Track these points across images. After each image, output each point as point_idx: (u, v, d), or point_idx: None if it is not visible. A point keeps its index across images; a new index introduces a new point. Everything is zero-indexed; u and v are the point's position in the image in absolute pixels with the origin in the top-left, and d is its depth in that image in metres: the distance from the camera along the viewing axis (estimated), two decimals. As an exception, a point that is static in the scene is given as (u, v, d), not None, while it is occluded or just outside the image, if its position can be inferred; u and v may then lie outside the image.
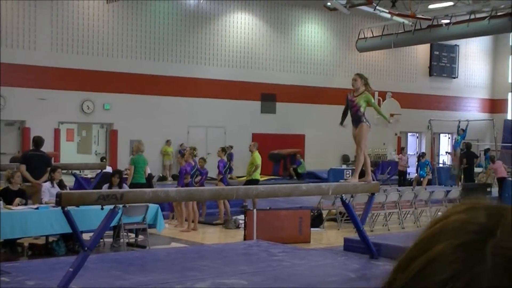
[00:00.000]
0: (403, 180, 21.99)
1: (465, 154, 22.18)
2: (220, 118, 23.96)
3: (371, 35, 26.10)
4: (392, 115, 25.78)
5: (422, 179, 19.93)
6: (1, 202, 9.67)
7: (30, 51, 20.33)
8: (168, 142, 22.73)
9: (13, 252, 9.99)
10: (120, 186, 10.71)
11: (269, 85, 25.09)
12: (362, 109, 8.46)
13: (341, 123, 9.05)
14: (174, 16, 23.12)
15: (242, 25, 24.75)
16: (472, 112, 30.56)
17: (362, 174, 10.69)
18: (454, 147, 23.44)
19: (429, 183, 20.65)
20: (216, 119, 23.88)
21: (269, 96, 25.23)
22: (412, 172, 23.46)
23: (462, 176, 21.74)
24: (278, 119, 25.38)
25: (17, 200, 9.96)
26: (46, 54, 20.54)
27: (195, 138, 22.74)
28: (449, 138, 31.14)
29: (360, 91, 8.48)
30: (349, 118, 8.82)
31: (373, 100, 8.71)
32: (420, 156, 20.84)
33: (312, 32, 26.56)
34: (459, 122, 23.26)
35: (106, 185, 10.94)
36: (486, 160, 24.28)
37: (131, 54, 22.21)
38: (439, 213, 15.57)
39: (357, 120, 8.54)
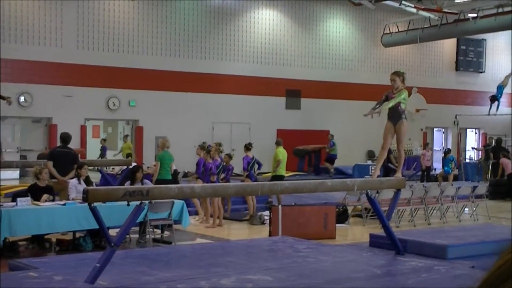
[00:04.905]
0: (426, 176, 21.80)
1: (493, 149, 21.92)
2: (245, 114, 23.98)
3: (397, 30, 25.90)
4: (418, 110, 25.65)
5: (448, 175, 19.77)
6: (29, 198, 9.80)
7: (56, 48, 20.53)
8: (125, 138, 22.02)
9: (41, 247, 10.13)
10: (141, 182, 10.76)
11: (294, 81, 25.05)
12: (402, 106, 8.37)
13: (372, 109, 8.33)
14: (199, 13, 23.17)
15: (266, 21, 24.72)
16: (500, 107, 30.16)
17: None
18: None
19: (456, 178, 20.43)
20: (241, 115, 23.90)
21: (294, 92, 25.18)
22: (438, 168, 23.23)
23: (490, 172, 21.49)
24: (303, 115, 25.32)
25: (45, 196, 10.06)
26: (72, 51, 20.73)
27: (220, 134, 22.77)
28: (475, 133, 30.81)
29: (400, 88, 8.37)
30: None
31: (406, 98, 8.46)
32: (446, 152, 20.64)
33: (337, 28, 26.44)
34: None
35: (127, 182, 10.98)
36: None
37: (156, 51, 22.31)
38: (465, 209, 15.47)
39: (397, 116, 8.40)
